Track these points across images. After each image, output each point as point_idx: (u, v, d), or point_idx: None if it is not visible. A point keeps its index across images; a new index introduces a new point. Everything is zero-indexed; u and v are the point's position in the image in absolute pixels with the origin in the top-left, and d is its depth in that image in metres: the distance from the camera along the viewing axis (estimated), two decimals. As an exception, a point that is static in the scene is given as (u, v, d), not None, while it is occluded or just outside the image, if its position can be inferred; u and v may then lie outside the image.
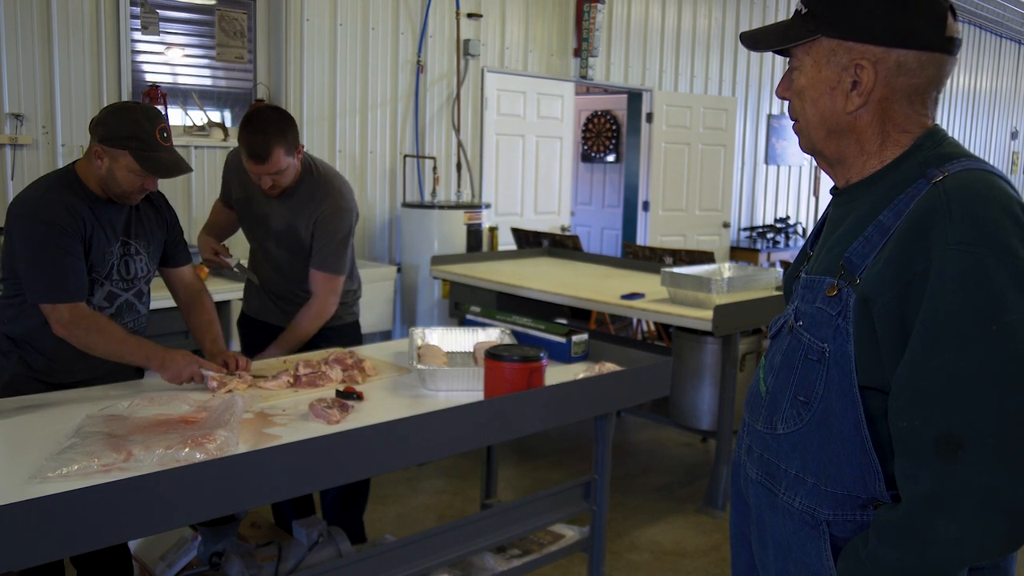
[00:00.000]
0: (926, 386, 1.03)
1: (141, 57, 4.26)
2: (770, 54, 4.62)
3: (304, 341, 2.63)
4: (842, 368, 1.13)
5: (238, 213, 2.80)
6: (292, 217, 2.66)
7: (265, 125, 2.47)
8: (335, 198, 2.68)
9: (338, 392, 2.04)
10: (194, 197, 4.42)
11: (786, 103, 1.28)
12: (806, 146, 1.27)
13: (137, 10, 4.13)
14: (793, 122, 1.27)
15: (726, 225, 7.55)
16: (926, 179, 1.11)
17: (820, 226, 1.36)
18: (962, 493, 1.01)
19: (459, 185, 5.63)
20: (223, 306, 3.68)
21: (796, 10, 1.23)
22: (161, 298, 2.60)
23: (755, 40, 1.26)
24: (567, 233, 6.15)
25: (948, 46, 1.15)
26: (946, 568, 1.04)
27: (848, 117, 1.18)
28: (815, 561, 1.18)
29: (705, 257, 4.36)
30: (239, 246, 3.02)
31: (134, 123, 2.06)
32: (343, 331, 2.83)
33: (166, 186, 4.26)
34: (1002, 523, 1.00)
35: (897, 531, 1.06)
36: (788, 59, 1.25)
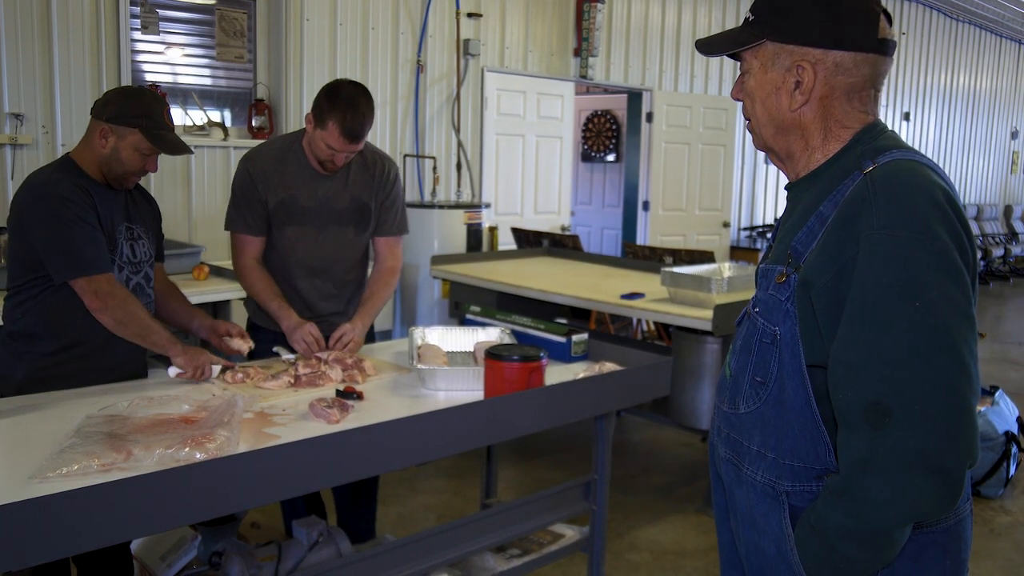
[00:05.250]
0: (856, 360, 1.12)
1: (141, 57, 4.26)
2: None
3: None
4: (792, 349, 1.23)
5: (279, 219, 2.59)
6: (357, 190, 2.65)
7: (358, 103, 2.45)
8: (388, 159, 2.74)
9: (338, 392, 2.04)
10: (194, 197, 4.42)
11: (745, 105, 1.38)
12: (759, 144, 1.36)
13: (137, 10, 4.14)
14: (747, 122, 1.37)
15: (726, 225, 7.56)
16: (860, 171, 1.20)
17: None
18: (890, 456, 1.08)
19: (459, 185, 5.63)
20: (223, 306, 3.68)
21: (745, 17, 1.33)
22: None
23: (709, 46, 1.35)
24: (567, 233, 6.15)
25: (882, 47, 1.25)
26: (881, 527, 1.12)
27: (793, 115, 1.28)
28: (776, 529, 1.27)
29: (705, 257, 4.36)
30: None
31: (145, 103, 2.15)
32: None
33: (167, 185, 4.26)
34: (930, 483, 1.08)
35: (837, 495, 1.15)
36: (740, 63, 1.34)
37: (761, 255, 1.50)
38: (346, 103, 2.42)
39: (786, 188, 1.39)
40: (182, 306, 2.43)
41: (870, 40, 1.23)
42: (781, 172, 1.40)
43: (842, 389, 1.14)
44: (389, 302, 4.90)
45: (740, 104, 1.36)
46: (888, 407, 1.08)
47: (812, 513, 1.20)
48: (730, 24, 7.55)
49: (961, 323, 1.09)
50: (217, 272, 3.74)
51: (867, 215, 1.14)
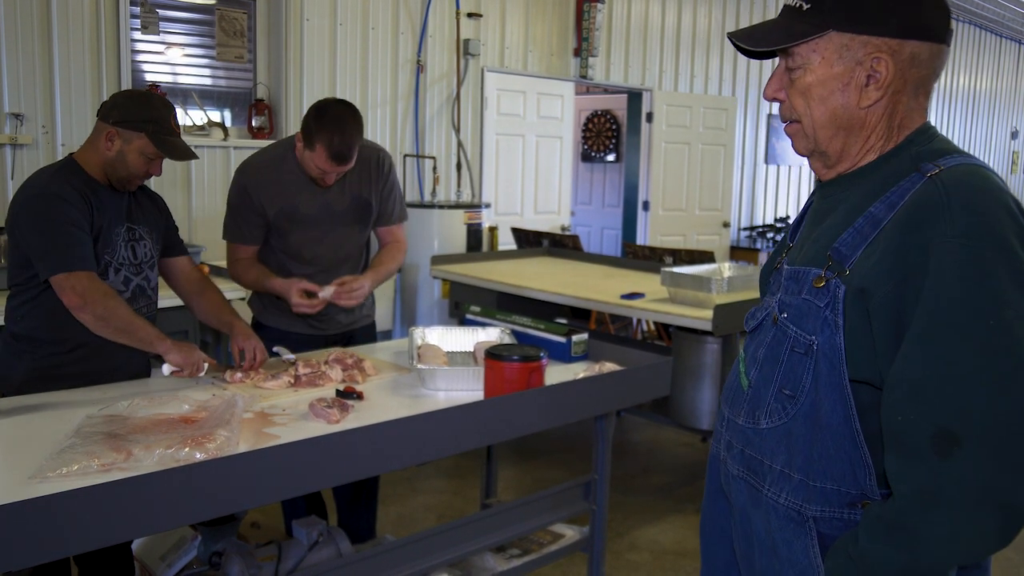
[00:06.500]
0: (923, 381, 1.02)
1: (141, 56, 4.26)
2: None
3: (385, 281, 2.76)
4: (831, 361, 1.12)
5: (280, 228, 2.60)
6: (355, 187, 2.65)
7: (345, 124, 2.43)
8: (380, 150, 2.74)
9: (338, 392, 2.04)
10: (194, 197, 4.42)
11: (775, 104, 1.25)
12: (805, 147, 1.23)
13: (137, 10, 4.13)
14: (789, 123, 1.24)
15: (726, 225, 7.55)
16: (920, 173, 1.10)
17: (802, 217, 1.34)
18: (957, 490, 0.99)
19: (459, 185, 5.63)
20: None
21: (790, 7, 1.20)
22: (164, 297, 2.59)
23: (755, 39, 1.20)
24: (567, 233, 6.15)
25: (949, 38, 1.17)
26: (938, 565, 1.03)
27: (861, 112, 1.16)
28: (802, 558, 1.16)
29: (705, 257, 4.36)
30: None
31: (152, 108, 2.16)
32: (367, 331, 2.88)
33: (167, 186, 4.26)
34: (995, 520, 1.00)
35: (888, 528, 1.05)
36: (786, 58, 1.20)
37: (772, 254, 1.37)
38: (332, 125, 2.41)
39: (820, 184, 1.28)
40: (210, 306, 2.36)
41: (944, 29, 1.14)
42: (815, 172, 1.27)
43: (903, 411, 1.03)
44: (390, 301, 4.90)
45: (777, 104, 1.24)
46: (957, 435, 0.99)
47: (851, 544, 1.09)
48: (731, 24, 7.54)
49: None
50: (217, 272, 3.73)
51: (940, 223, 1.04)
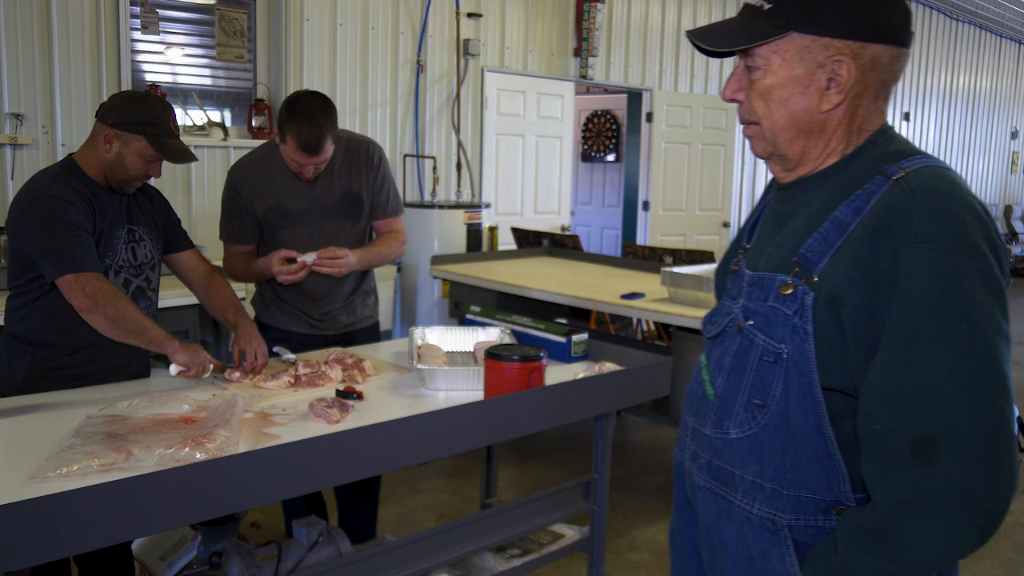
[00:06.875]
0: (899, 388, 1.01)
1: (141, 56, 4.26)
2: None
3: (378, 264, 2.73)
4: (801, 369, 1.10)
5: (270, 226, 2.62)
6: (345, 181, 2.64)
7: (314, 115, 2.42)
8: (370, 142, 2.73)
9: (338, 392, 2.04)
10: (194, 197, 4.42)
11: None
12: (764, 149, 1.22)
13: (137, 10, 4.14)
14: (747, 125, 1.22)
15: (726, 225, 7.55)
16: (884, 176, 1.09)
17: (757, 217, 1.32)
18: (937, 496, 0.99)
19: (459, 185, 5.63)
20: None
21: (751, 6, 1.16)
22: (164, 297, 2.59)
23: (713, 39, 1.16)
24: (567, 233, 6.15)
25: (910, 41, 1.15)
26: (919, 571, 1.03)
27: (822, 116, 1.14)
28: (778, 568, 1.15)
29: (705, 257, 4.36)
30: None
31: (151, 109, 2.14)
32: (369, 332, 2.88)
33: (167, 186, 4.26)
34: (974, 523, 1.00)
35: (869, 536, 1.04)
36: (745, 58, 1.18)
37: (727, 255, 1.37)
38: (302, 116, 2.41)
39: (778, 187, 1.26)
40: (218, 301, 2.34)
41: (905, 32, 1.13)
42: (774, 174, 1.25)
43: (880, 420, 1.02)
44: (390, 301, 4.90)
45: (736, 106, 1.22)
46: (935, 441, 0.99)
47: (830, 553, 1.08)
48: (730, 24, 7.53)
49: (1003, 346, 1.01)
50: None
51: (908, 226, 1.03)
